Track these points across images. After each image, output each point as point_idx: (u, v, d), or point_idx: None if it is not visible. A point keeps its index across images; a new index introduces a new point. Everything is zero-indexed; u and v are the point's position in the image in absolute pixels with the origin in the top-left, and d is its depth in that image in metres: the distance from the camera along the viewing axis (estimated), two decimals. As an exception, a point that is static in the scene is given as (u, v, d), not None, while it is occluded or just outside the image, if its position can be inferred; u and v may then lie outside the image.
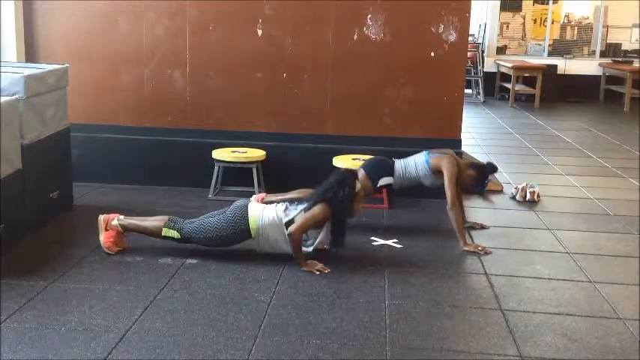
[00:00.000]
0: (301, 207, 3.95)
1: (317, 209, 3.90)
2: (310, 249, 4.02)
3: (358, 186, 4.07)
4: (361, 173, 4.66)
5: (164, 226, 4.00)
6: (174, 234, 4.00)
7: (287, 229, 3.89)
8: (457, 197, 4.45)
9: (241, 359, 2.88)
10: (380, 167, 4.70)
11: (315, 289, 3.65)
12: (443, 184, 4.48)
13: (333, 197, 3.92)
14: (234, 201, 4.09)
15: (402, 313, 3.39)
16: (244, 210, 3.98)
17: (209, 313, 3.31)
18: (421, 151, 4.74)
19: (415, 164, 4.65)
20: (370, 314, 3.36)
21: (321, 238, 4.00)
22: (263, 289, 3.63)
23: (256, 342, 3.03)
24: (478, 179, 4.62)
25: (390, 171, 4.67)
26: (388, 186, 4.71)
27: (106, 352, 2.90)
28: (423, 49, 5.47)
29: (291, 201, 4.05)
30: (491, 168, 4.70)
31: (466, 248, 4.35)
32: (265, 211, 3.98)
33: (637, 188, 6.19)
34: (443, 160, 4.52)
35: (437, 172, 4.56)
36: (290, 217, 3.93)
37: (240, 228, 3.95)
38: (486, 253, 4.30)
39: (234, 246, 4.05)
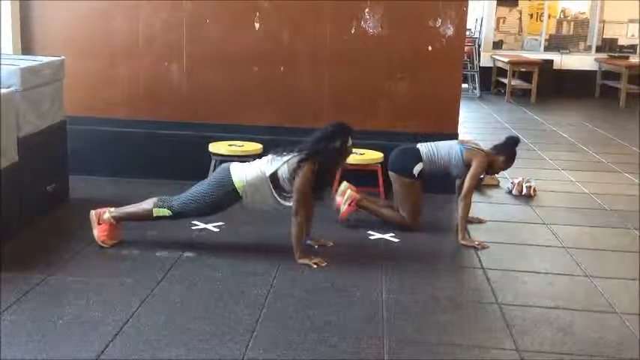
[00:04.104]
0: (286, 157, 3.89)
1: (305, 170, 3.84)
2: (290, 203, 3.92)
3: (350, 142, 3.99)
4: (392, 176, 4.59)
5: (154, 207, 3.98)
6: (166, 212, 3.97)
7: (274, 186, 3.85)
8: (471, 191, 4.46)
9: (239, 352, 2.88)
10: (407, 157, 4.57)
11: (313, 283, 3.65)
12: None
13: (323, 150, 3.86)
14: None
15: (400, 306, 3.40)
16: (227, 171, 3.94)
17: (206, 307, 3.30)
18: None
19: (449, 152, 4.55)
20: (367, 308, 3.37)
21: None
22: (260, 282, 3.62)
23: (254, 335, 3.03)
24: (508, 159, 4.68)
25: (417, 157, 4.54)
26: (420, 172, 4.53)
27: (102, 345, 2.89)
28: (421, 43, 5.45)
29: (275, 152, 3.98)
30: (514, 141, 4.72)
31: (463, 242, 4.35)
32: (249, 168, 3.94)
33: (633, 183, 6.20)
34: (477, 157, 4.49)
35: (467, 166, 4.50)
36: (274, 168, 3.88)
37: (227, 189, 3.90)
38: (483, 248, 4.30)
39: (231, 244, 4.04)
